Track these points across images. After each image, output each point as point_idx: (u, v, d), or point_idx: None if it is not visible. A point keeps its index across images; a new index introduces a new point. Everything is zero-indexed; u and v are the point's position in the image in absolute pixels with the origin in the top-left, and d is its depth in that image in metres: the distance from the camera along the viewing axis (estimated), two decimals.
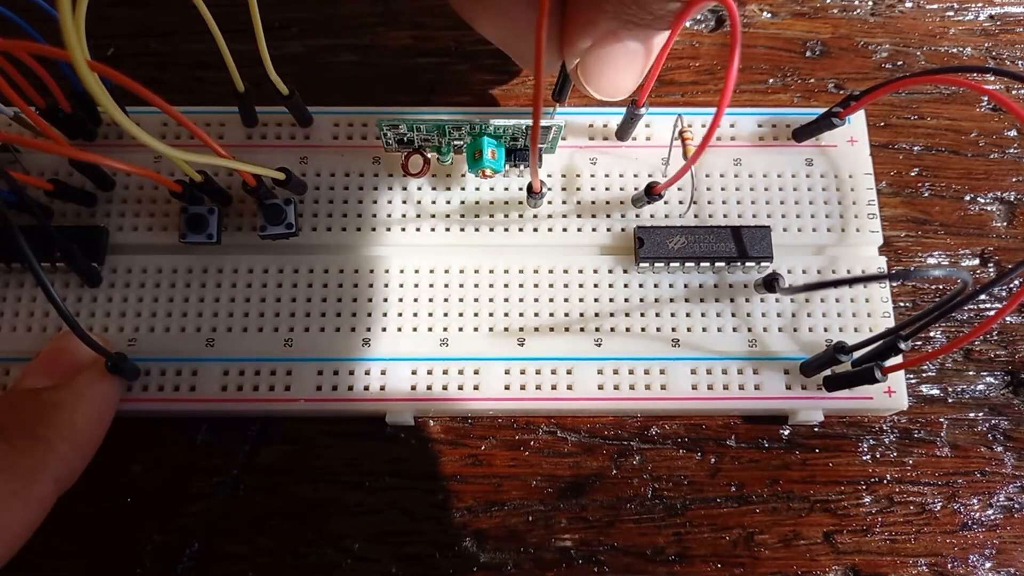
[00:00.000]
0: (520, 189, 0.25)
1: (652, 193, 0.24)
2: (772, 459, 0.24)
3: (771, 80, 0.28)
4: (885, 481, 0.24)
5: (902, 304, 0.25)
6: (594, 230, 0.25)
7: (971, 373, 0.25)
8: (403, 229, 0.25)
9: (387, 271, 0.24)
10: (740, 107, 0.27)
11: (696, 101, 0.28)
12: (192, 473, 0.23)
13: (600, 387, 0.23)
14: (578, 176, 0.25)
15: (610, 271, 0.24)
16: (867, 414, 0.24)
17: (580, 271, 0.24)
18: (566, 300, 0.24)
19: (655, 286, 0.24)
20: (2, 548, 0.17)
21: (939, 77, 0.24)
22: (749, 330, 0.24)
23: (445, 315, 0.24)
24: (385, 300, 0.24)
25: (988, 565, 0.23)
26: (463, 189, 0.25)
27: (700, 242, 0.24)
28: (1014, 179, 0.27)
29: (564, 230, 0.25)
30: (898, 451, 0.24)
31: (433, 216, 0.25)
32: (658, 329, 0.24)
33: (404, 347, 0.23)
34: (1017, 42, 0.29)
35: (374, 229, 0.25)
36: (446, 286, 0.24)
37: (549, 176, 0.25)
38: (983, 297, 0.25)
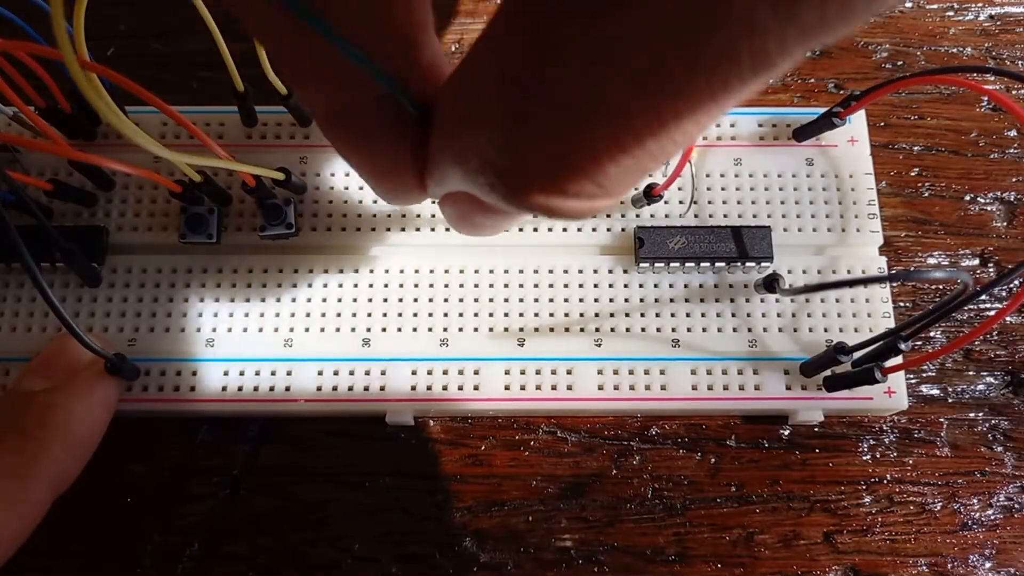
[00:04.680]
0: None
1: (651, 195, 0.24)
2: (772, 459, 0.24)
3: (771, 80, 0.28)
4: (885, 481, 0.24)
5: (902, 304, 0.25)
6: (594, 230, 0.25)
7: (971, 373, 0.25)
8: (403, 229, 0.25)
9: (387, 271, 0.24)
10: (740, 107, 0.27)
11: None
12: (192, 473, 0.23)
13: (600, 387, 0.23)
14: None
15: (610, 271, 0.24)
16: (867, 414, 0.24)
17: (580, 271, 0.24)
18: (566, 300, 0.24)
19: (655, 286, 0.24)
20: None
21: (939, 77, 0.24)
22: (749, 330, 0.24)
23: (445, 315, 0.24)
24: (385, 300, 0.24)
25: (988, 565, 0.23)
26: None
27: (700, 242, 0.24)
28: (1014, 179, 0.27)
29: (564, 230, 0.25)
30: (898, 451, 0.24)
31: (433, 216, 0.25)
32: (658, 329, 0.24)
33: (404, 347, 0.23)
34: (1017, 42, 0.29)
35: (374, 229, 0.25)
36: (446, 286, 0.24)
37: None
38: (983, 297, 0.25)
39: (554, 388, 0.23)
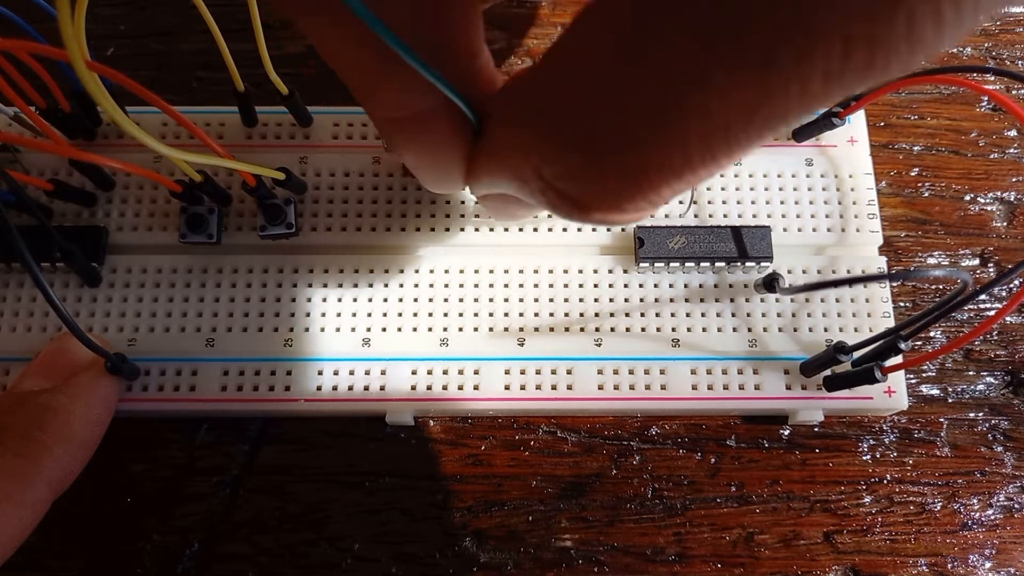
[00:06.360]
0: None
1: None
2: (772, 459, 0.24)
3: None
4: (885, 481, 0.24)
5: (902, 304, 0.25)
6: (594, 230, 0.25)
7: (971, 373, 0.25)
8: (403, 229, 0.25)
9: (387, 271, 0.24)
10: None
11: None
12: (192, 473, 0.23)
13: (600, 387, 0.23)
14: None
15: (610, 271, 0.24)
16: (867, 414, 0.24)
17: (580, 271, 0.24)
18: (566, 300, 0.24)
19: (655, 286, 0.24)
20: None
21: (939, 77, 0.24)
22: (749, 330, 0.24)
23: (445, 315, 0.24)
24: (385, 300, 0.24)
25: (988, 565, 0.23)
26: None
27: (700, 242, 0.24)
28: (1014, 179, 0.27)
29: (564, 230, 0.25)
30: (898, 451, 0.24)
31: (433, 216, 0.25)
32: (658, 329, 0.24)
33: (404, 347, 0.23)
34: (1017, 42, 0.29)
35: (374, 229, 0.25)
36: (446, 286, 0.24)
37: None
38: (983, 297, 0.25)
39: (554, 388, 0.23)
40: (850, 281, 0.23)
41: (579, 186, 0.13)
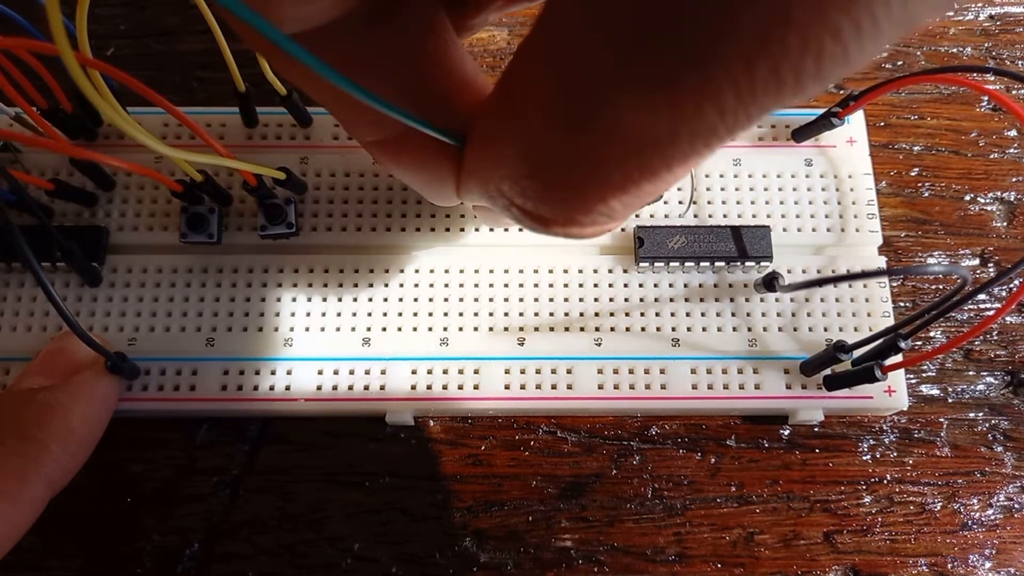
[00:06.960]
0: None
1: None
2: (772, 459, 0.24)
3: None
4: (885, 481, 0.24)
5: (902, 304, 0.25)
6: None
7: (971, 373, 0.25)
8: (403, 229, 0.25)
9: (387, 271, 0.24)
10: None
11: None
12: (192, 473, 0.23)
13: (600, 387, 0.23)
14: None
15: (610, 271, 0.24)
16: (867, 414, 0.24)
17: (580, 271, 0.24)
18: (566, 300, 0.24)
19: (655, 286, 0.24)
20: None
21: (939, 77, 0.24)
22: (749, 330, 0.24)
23: (445, 315, 0.24)
24: (385, 300, 0.24)
25: (988, 565, 0.23)
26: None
27: (700, 242, 0.24)
28: (1014, 179, 0.27)
29: None
30: (898, 451, 0.24)
31: (433, 216, 0.25)
32: (658, 329, 0.24)
33: (404, 347, 0.23)
34: (1017, 42, 0.29)
35: (374, 229, 0.25)
36: (446, 286, 0.24)
37: None
38: (983, 297, 0.25)
39: (554, 388, 0.23)
40: (850, 278, 0.23)
41: (534, 202, 0.13)
